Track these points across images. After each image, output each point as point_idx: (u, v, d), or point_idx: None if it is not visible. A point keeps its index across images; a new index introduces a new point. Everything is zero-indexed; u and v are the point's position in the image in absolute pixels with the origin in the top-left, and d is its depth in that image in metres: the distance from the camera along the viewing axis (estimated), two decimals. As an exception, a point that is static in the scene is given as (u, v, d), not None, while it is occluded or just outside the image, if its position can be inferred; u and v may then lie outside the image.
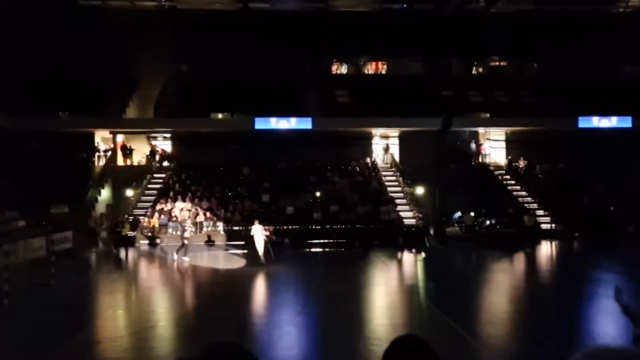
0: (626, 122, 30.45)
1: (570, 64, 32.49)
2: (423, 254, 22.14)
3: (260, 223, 19.45)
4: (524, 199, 28.93)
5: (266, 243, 18.79)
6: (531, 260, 22.04)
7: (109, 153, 31.36)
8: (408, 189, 29.16)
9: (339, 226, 25.74)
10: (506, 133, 33.42)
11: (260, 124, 29.75)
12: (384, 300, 13.98)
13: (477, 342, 9.40)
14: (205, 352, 1.34)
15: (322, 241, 24.35)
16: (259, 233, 18.79)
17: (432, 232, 25.60)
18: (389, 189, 29.41)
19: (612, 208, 27.39)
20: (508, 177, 31.30)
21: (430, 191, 27.83)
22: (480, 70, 37.62)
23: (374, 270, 19.16)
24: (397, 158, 32.41)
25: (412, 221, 26.42)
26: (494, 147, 33.62)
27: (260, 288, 14.98)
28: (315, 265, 19.24)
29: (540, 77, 34.78)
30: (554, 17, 33.83)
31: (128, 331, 10.89)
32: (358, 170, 31.26)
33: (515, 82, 34.51)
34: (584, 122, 30.47)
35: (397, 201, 27.95)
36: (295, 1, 34.30)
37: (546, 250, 24.32)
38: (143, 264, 21.90)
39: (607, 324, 10.74)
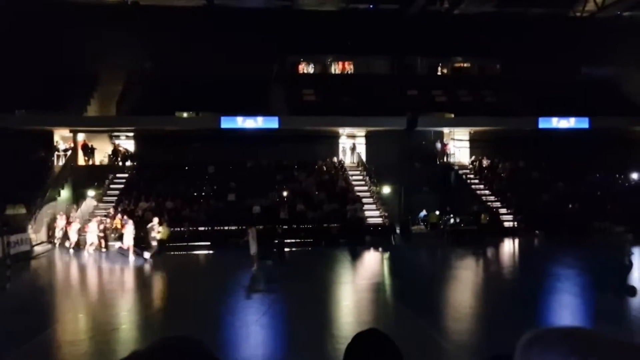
0: (583, 123, 31.46)
1: (531, 65, 33.37)
2: (388, 252, 22.32)
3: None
4: (487, 197, 29.56)
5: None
6: (492, 256, 22.53)
7: (69, 152, 30.43)
8: (374, 187, 29.37)
9: (306, 225, 25.70)
10: (470, 133, 34.07)
11: (227, 123, 29.44)
12: (350, 299, 14.02)
13: (441, 337, 9.52)
14: (161, 345, 1.26)
15: (289, 240, 24.21)
16: (253, 235, 17.07)
17: (397, 230, 25.87)
18: (356, 187, 29.56)
19: (570, 205, 28.26)
20: (472, 175, 31.92)
21: (396, 190, 28.11)
22: (445, 70, 38.27)
23: (340, 268, 19.23)
24: (363, 157, 32.61)
25: (378, 220, 26.63)
26: (458, 147, 34.23)
27: (225, 288, 14.78)
28: (282, 264, 19.13)
29: (503, 78, 35.63)
30: (516, 19, 34.72)
31: (88, 335, 10.58)
32: (325, 169, 31.30)
33: (479, 83, 35.26)
34: (543, 123, 31.36)
35: (364, 200, 28.11)
36: (261, -1, 34.10)
37: (507, 246, 24.89)
38: (105, 266, 21.33)
39: (565, 315, 11.05)
